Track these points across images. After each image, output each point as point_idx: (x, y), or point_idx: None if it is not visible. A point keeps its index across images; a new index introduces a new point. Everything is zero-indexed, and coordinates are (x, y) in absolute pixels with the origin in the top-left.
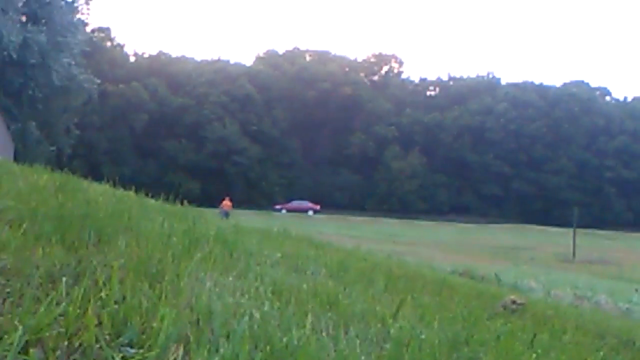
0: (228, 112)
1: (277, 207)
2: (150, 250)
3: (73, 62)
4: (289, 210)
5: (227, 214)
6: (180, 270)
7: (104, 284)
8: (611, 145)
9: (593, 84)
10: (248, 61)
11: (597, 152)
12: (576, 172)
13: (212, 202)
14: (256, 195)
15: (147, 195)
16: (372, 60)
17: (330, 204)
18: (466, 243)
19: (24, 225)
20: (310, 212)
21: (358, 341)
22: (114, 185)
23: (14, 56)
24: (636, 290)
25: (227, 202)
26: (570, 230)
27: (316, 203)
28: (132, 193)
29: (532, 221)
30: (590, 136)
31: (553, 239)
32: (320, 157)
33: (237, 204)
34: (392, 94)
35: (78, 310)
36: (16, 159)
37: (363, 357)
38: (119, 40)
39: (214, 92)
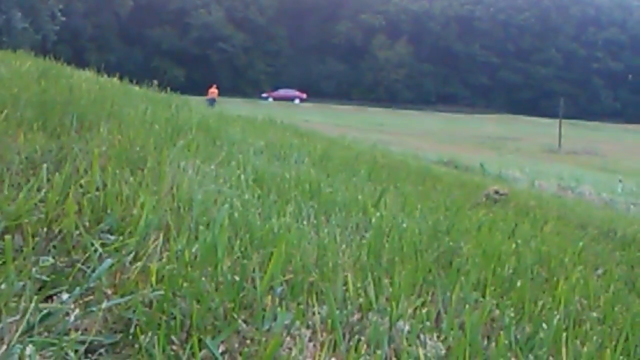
0: None
1: (264, 95)
2: (132, 137)
3: None
4: (275, 99)
5: (213, 102)
6: (161, 158)
7: (85, 171)
8: (600, 36)
9: None
10: None
11: (585, 43)
12: (564, 63)
13: (197, 89)
14: (243, 84)
15: (131, 82)
16: None
17: (317, 92)
18: (452, 133)
19: (5, 111)
20: (297, 101)
21: (339, 229)
22: (99, 72)
23: None
24: (620, 181)
25: (213, 90)
26: (556, 121)
27: (303, 91)
28: (116, 80)
29: (519, 111)
30: (579, 27)
31: (539, 130)
32: (307, 46)
33: (223, 92)
34: None
35: (58, 197)
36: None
37: (343, 245)
38: None
39: None
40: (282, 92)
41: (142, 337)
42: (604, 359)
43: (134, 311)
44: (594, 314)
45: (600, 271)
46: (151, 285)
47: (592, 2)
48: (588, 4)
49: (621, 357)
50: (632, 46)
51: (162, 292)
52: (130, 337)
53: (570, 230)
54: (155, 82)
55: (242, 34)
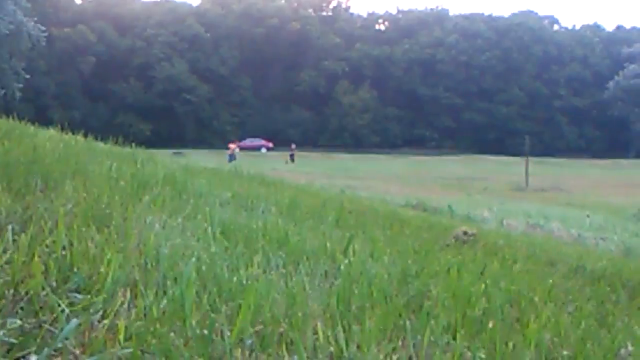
0: (176, 52)
1: (230, 147)
2: (97, 194)
3: (17, 9)
4: (242, 149)
5: (233, 157)
6: (127, 214)
7: (51, 230)
8: (562, 74)
9: (541, 13)
10: (195, 0)
11: (547, 81)
12: (527, 102)
13: (163, 143)
14: (208, 135)
15: (96, 139)
16: None
17: (283, 140)
18: (419, 175)
19: None
20: (264, 150)
21: (308, 278)
22: (63, 129)
23: None
24: (588, 216)
25: (232, 145)
26: (522, 159)
27: (269, 140)
28: (80, 137)
29: (485, 151)
30: (541, 65)
31: (506, 169)
32: (271, 95)
33: (189, 144)
34: (341, 29)
35: (24, 258)
36: None
37: (312, 294)
38: None
39: (162, 33)
40: (248, 141)
41: None
42: None
43: None
44: (566, 352)
45: (570, 308)
46: (119, 343)
47: (554, 40)
48: (549, 42)
49: None
50: (594, 82)
51: (130, 350)
52: None
53: (540, 268)
54: (121, 137)
55: (206, 85)
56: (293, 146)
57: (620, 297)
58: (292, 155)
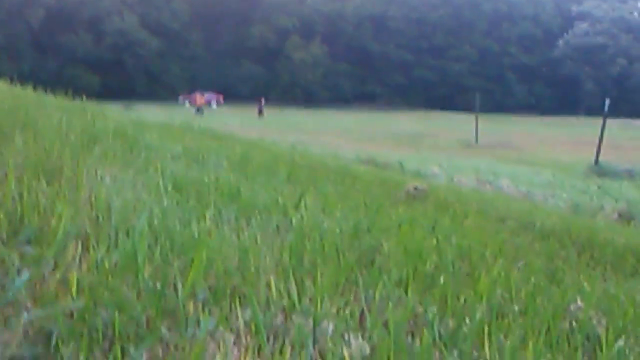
0: (127, 5)
1: (180, 99)
2: (47, 147)
3: None
4: (192, 103)
5: (201, 110)
6: (78, 167)
7: (0, 183)
8: (513, 31)
9: None
10: None
11: (498, 39)
12: (478, 59)
13: (113, 96)
14: (158, 89)
15: (46, 92)
16: None
17: (234, 95)
18: (370, 131)
19: None
20: (214, 104)
21: (260, 232)
22: (12, 82)
23: None
24: (537, 173)
25: (200, 98)
26: (472, 116)
27: (220, 94)
28: (29, 90)
29: (436, 108)
30: (492, 22)
31: (456, 125)
32: (222, 49)
33: (139, 98)
34: None
35: None
36: None
37: (265, 248)
38: None
39: None
40: (198, 95)
41: (64, 348)
42: (527, 351)
43: (55, 323)
44: (516, 307)
45: (521, 264)
46: (72, 296)
47: None
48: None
49: (544, 349)
50: (545, 40)
51: (82, 303)
52: (52, 349)
53: (491, 224)
54: (70, 90)
55: (157, 39)
56: (262, 100)
57: (569, 253)
58: (260, 110)
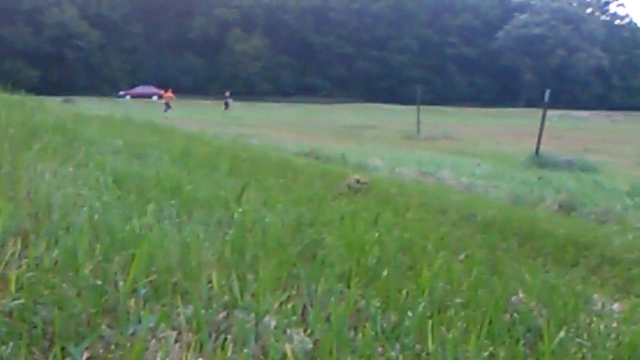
0: None
1: (121, 93)
2: None
3: None
4: (133, 97)
5: (169, 105)
6: (17, 162)
7: None
8: (453, 22)
9: None
10: None
11: (439, 30)
12: (419, 50)
13: (53, 90)
14: (99, 82)
15: None
16: None
17: (175, 88)
18: (312, 123)
19: None
20: (155, 98)
21: (202, 227)
22: None
23: None
24: (478, 164)
25: (169, 94)
26: (414, 108)
27: (161, 88)
28: None
29: (378, 100)
30: (433, 13)
31: (397, 117)
32: (163, 41)
33: (79, 92)
34: None
35: None
36: None
37: (207, 243)
38: None
39: None
40: (139, 89)
41: (3, 347)
42: (469, 343)
43: None
44: (458, 299)
45: (462, 256)
46: (11, 294)
47: None
48: None
49: (486, 341)
50: (485, 31)
51: (22, 301)
52: None
53: (432, 216)
54: (9, 84)
55: (97, 31)
56: (227, 93)
57: (510, 244)
58: (227, 103)
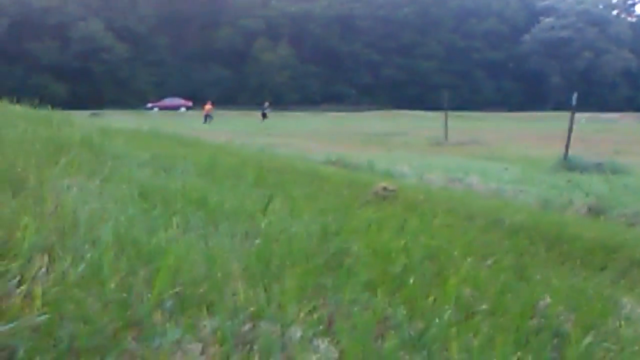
0: (92, 11)
1: (149, 105)
2: (12, 158)
3: None
4: (161, 109)
5: (208, 117)
6: (43, 178)
7: None
8: (479, 27)
9: None
10: None
11: (465, 35)
12: (445, 56)
13: (81, 104)
14: (126, 95)
15: (11, 101)
16: None
17: (202, 99)
18: (340, 132)
19: None
20: (183, 109)
21: (227, 238)
22: None
23: None
24: (506, 169)
25: (209, 106)
26: (442, 114)
27: (188, 99)
28: None
29: (405, 107)
30: (458, 19)
31: (425, 124)
32: (190, 53)
33: (107, 105)
34: None
35: None
36: None
37: (232, 254)
38: None
39: None
40: (167, 101)
41: None
42: (495, 350)
43: (20, 338)
44: (484, 306)
45: (489, 261)
46: (37, 309)
47: None
48: None
49: (512, 347)
50: (511, 36)
51: (48, 316)
52: None
53: (459, 222)
54: (37, 99)
55: (123, 44)
56: (266, 104)
57: (538, 249)
58: (264, 114)
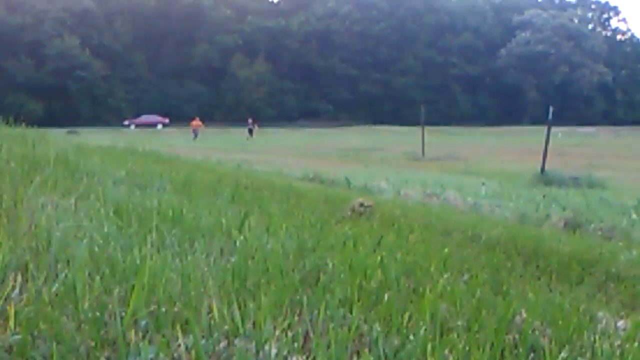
0: (67, 28)
1: (126, 123)
2: None
3: None
4: (137, 126)
5: (197, 133)
6: (18, 196)
7: None
8: (455, 42)
9: None
10: None
11: (441, 50)
12: (422, 71)
13: (57, 122)
14: (103, 113)
15: None
16: None
17: (179, 116)
18: (317, 147)
19: None
20: (160, 126)
21: (203, 256)
22: None
23: None
24: (483, 183)
25: (196, 123)
26: (419, 129)
27: (165, 116)
28: None
29: (382, 122)
30: (434, 34)
31: (402, 139)
32: (166, 70)
33: (84, 123)
34: (233, 2)
35: None
36: None
37: (208, 272)
38: None
39: (52, 9)
40: (144, 118)
41: None
42: None
43: None
44: (460, 322)
45: (466, 277)
46: (10, 329)
47: (446, 8)
48: (442, 11)
49: None
50: (487, 50)
51: (21, 336)
52: None
53: (436, 237)
54: (11, 117)
55: (100, 61)
56: (250, 120)
57: (515, 264)
58: (250, 130)
